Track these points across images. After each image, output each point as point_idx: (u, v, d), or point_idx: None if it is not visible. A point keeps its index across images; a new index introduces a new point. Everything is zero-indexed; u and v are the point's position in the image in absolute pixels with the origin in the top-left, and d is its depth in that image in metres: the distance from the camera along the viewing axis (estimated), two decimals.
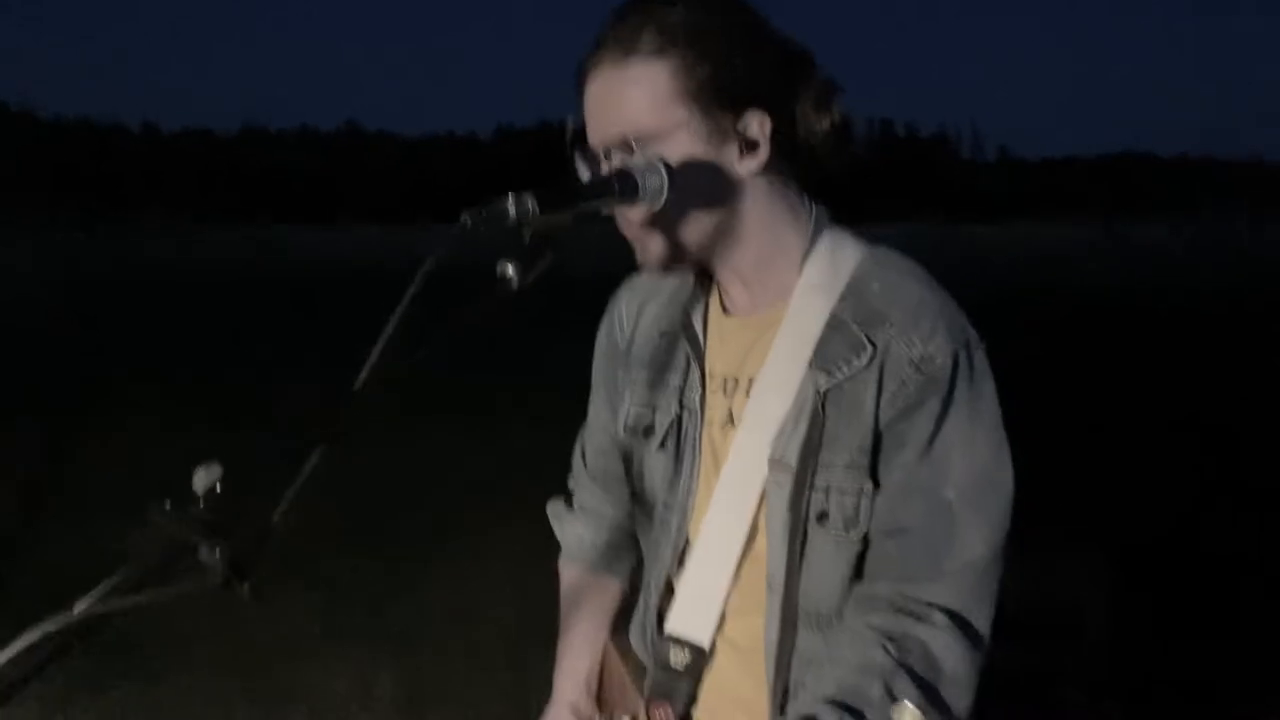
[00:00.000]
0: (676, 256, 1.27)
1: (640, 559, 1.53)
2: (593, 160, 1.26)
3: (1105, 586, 3.95)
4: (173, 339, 14.76)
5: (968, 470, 1.21)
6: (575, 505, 1.62)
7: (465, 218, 0.93)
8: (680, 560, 1.37)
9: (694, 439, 1.35)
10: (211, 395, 9.97)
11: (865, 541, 1.24)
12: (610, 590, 1.58)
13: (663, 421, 1.38)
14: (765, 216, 1.28)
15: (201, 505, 0.74)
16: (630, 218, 1.25)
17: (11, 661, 0.69)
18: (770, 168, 1.26)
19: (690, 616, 1.32)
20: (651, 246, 1.26)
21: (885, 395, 1.21)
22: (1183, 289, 23.26)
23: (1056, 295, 22.06)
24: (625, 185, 1.12)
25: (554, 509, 1.65)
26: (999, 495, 1.22)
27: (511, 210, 0.97)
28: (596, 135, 1.24)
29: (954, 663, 1.17)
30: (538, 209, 0.97)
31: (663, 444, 1.38)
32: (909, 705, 0.95)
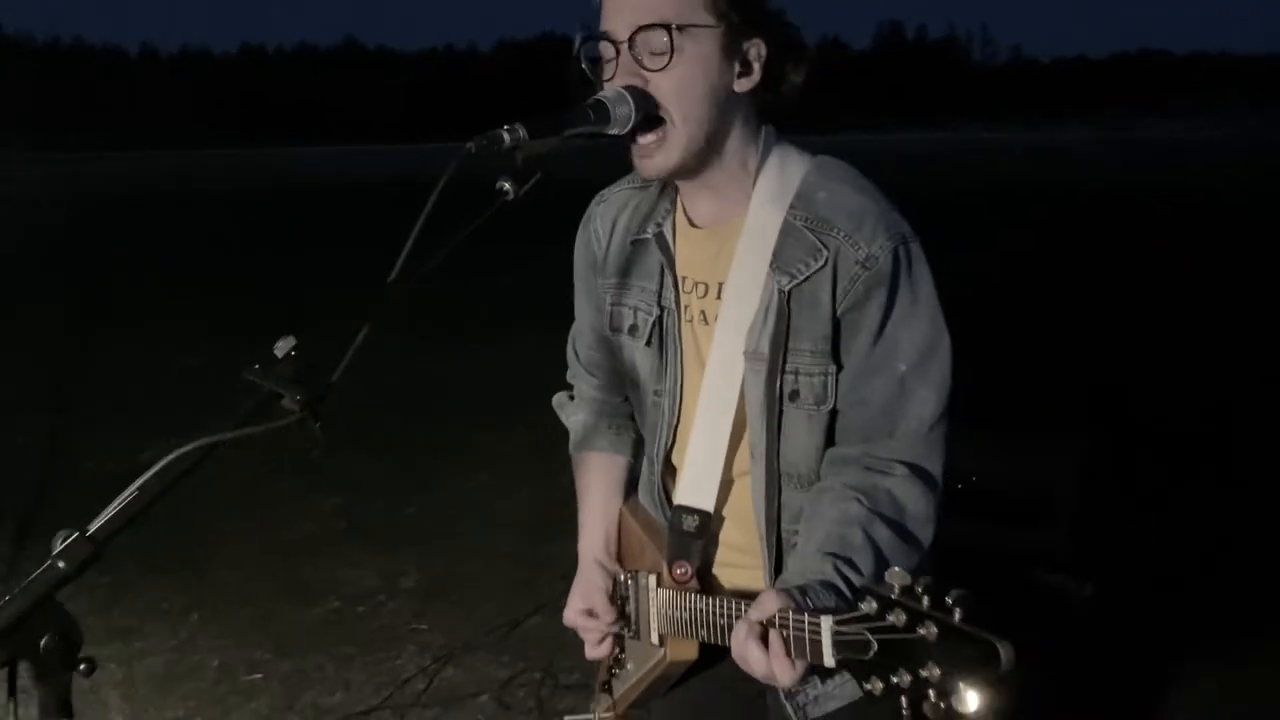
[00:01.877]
0: (680, 161, 1.45)
1: (639, 435, 1.78)
2: (606, 50, 1.43)
3: (1081, 472, 4.21)
4: (180, 254, 14.99)
5: (913, 345, 1.44)
6: (575, 395, 1.87)
7: (469, 145, 1.18)
8: (674, 436, 1.63)
9: (675, 334, 1.58)
10: (223, 306, 10.24)
11: (833, 414, 1.48)
12: (615, 464, 1.78)
13: (645, 321, 1.60)
14: (740, 132, 1.49)
15: (282, 366, 1.00)
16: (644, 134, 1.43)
17: (153, 479, 0.95)
18: (752, 92, 1.47)
19: (695, 487, 1.56)
20: (659, 156, 1.44)
21: (839, 291, 1.43)
22: (1198, 187, 23.19)
23: (1063, 194, 22.12)
24: (599, 113, 1.35)
25: (558, 400, 1.89)
26: (940, 361, 1.46)
27: (507, 138, 1.21)
28: (626, 20, 1.39)
29: (914, 503, 1.43)
30: (528, 136, 1.21)
31: (648, 341, 1.60)
32: (897, 570, 1.11)
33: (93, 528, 0.91)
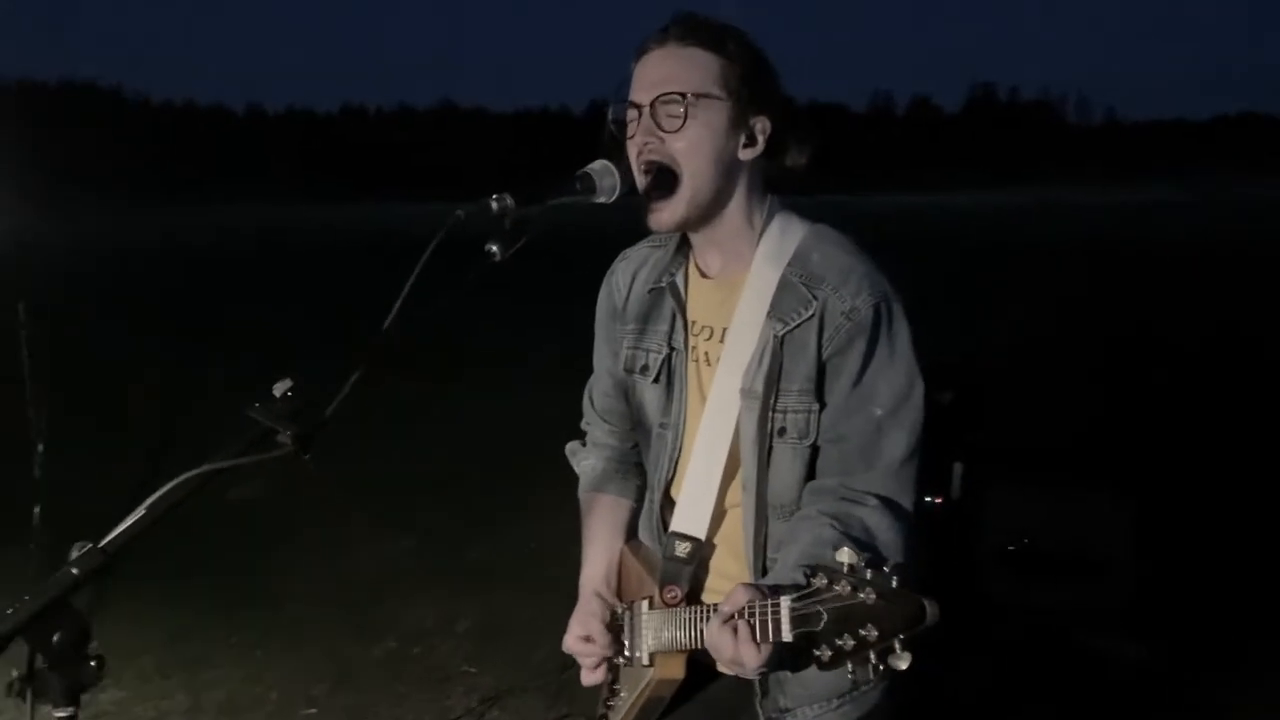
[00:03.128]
0: (685, 215, 1.64)
1: (644, 482, 1.90)
2: (630, 114, 1.62)
3: (1133, 533, 4.16)
4: (275, 305, 15.58)
5: (890, 391, 1.60)
6: (588, 441, 2.02)
7: (459, 212, 1.32)
8: (675, 469, 1.76)
9: (681, 372, 1.74)
10: (307, 352, 10.61)
11: (815, 449, 1.62)
12: (621, 506, 1.93)
13: (655, 360, 1.77)
14: (744, 195, 1.68)
15: (279, 404, 1.13)
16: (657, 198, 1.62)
17: (160, 499, 1.09)
18: (756, 162, 1.68)
19: (689, 516, 1.70)
20: (666, 211, 1.63)
21: (825, 338, 1.60)
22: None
23: (1144, 251, 21.71)
24: (585, 184, 1.51)
25: (570, 448, 2.04)
26: (913, 407, 1.60)
27: (494, 206, 1.35)
28: (651, 90, 1.60)
29: (884, 531, 1.54)
30: (513, 204, 1.35)
31: (656, 379, 1.77)
32: (845, 549, 1.26)
33: (105, 540, 1.05)
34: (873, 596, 1.20)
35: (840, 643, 1.23)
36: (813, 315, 1.60)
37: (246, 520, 5.94)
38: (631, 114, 1.63)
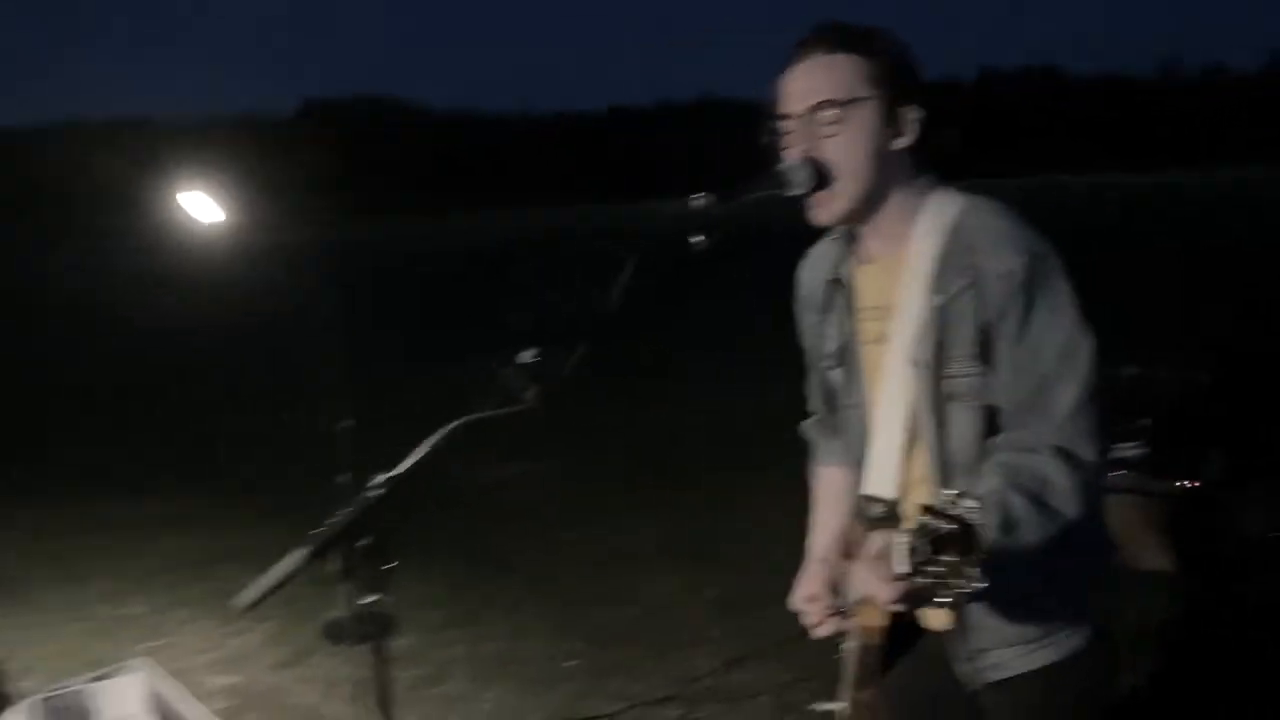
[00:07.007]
0: (846, 209, 1.75)
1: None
2: (787, 125, 1.76)
3: None
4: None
5: (1054, 346, 1.65)
6: (813, 419, 2.21)
7: (667, 209, 1.57)
8: (865, 443, 1.90)
9: (857, 355, 1.89)
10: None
11: (988, 409, 1.71)
12: (840, 476, 2.10)
13: (834, 347, 1.95)
14: (900, 182, 1.77)
15: (525, 368, 1.43)
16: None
17: (433, 443, 1.41)
18: (908, 150, 1.77)
19: (878, 478, 1.85)
20: (826, 208, 1.75)
21: (983, 303, 1.67)
22: None
23: None
24: (780, 179, 1.69)
25: (803, 425, 2.23)
26: (1082, 360, 1.66)
27: (698, 203, 1.59)
28: (803, 99, 1.71)
29: (1057, 478, 1.60)
30: (714, 200, 1.59)
31: (839, 363, 1.95)
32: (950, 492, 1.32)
33: (395, 472, 1.38)
34: (954, 525, 1.29)
35: (932, 567, 1.32)
36: (970, 283, 1.68)
37: (502, 502, 6.59)
38: (789, 124, 1.76)
